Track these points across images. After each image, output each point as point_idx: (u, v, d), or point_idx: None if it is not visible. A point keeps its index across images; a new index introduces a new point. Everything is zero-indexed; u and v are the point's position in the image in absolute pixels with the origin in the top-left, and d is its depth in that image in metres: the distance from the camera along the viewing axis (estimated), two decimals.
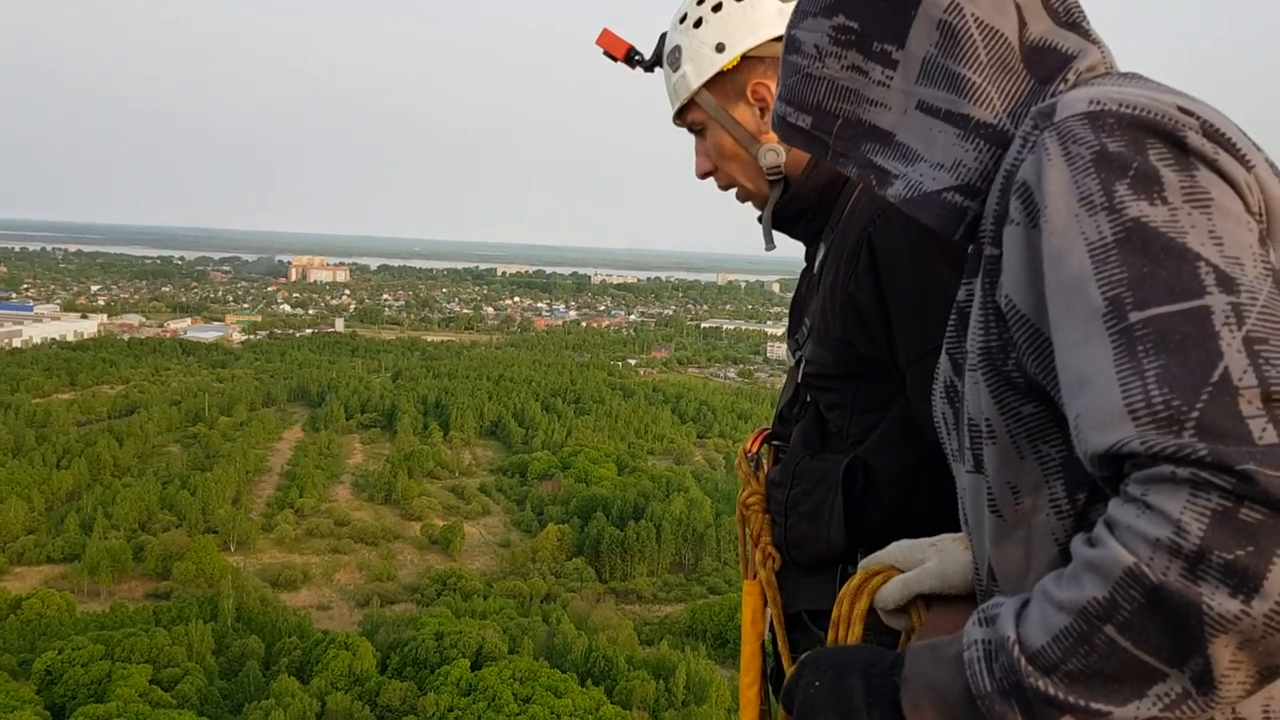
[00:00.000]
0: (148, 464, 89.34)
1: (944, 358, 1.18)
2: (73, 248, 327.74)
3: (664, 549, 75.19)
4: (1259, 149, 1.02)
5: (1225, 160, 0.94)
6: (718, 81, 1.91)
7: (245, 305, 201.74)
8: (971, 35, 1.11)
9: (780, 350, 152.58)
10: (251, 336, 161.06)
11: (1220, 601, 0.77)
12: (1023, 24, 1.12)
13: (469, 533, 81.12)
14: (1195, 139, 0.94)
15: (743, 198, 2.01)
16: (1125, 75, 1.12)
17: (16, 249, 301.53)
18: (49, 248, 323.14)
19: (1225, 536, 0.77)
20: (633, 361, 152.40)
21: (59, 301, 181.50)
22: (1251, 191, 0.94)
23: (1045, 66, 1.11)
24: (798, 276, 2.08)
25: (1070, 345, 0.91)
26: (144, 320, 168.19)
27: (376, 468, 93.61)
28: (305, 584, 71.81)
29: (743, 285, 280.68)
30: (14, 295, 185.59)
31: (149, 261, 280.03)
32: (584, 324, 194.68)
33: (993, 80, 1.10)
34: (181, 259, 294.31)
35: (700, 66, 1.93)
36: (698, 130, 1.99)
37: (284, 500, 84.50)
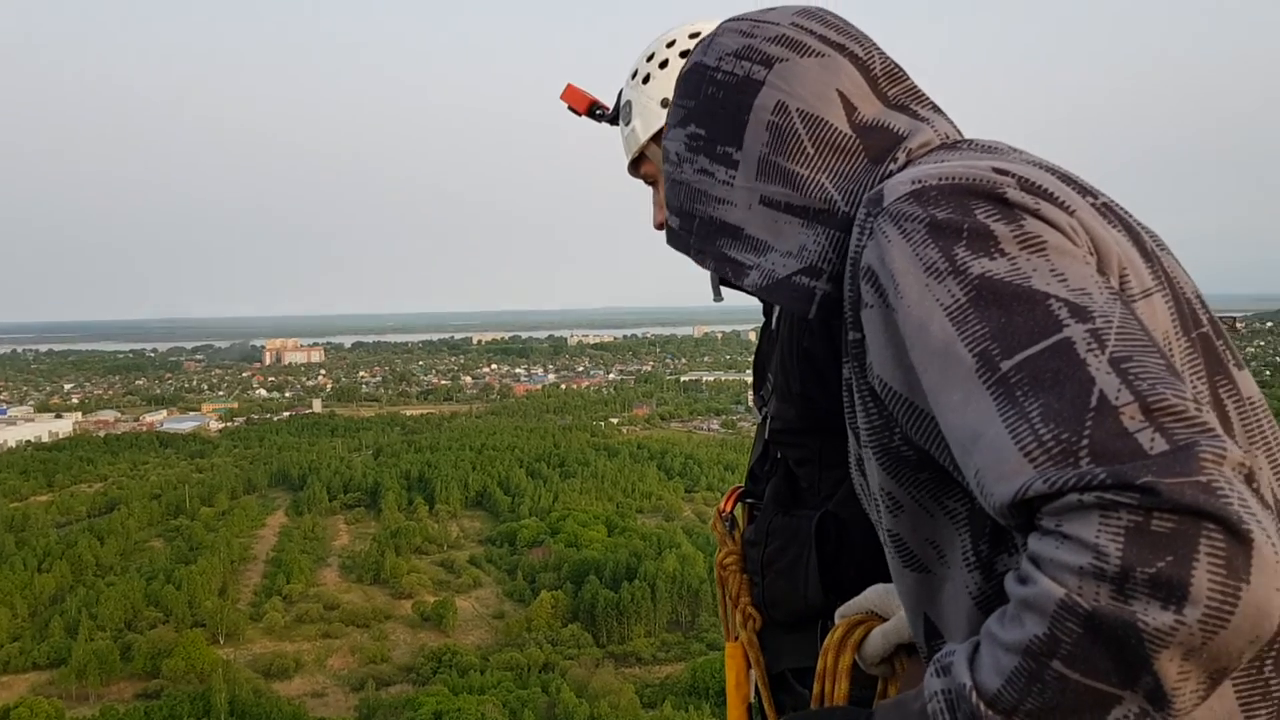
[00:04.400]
0: (130, 561, 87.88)
1: (849, 433, 1.19)
2: (44, 347, 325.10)
3: (660, 608, 74.42)
4: (1089, 193, 1.10)
5: (1046, 209, 1.00)
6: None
7: (221, 393, 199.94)
8: (796, 130, 1.18)
9: None
10: (229, 424, 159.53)
11: (1154, 616, 0.77)
12: (850, 109, 1.19)
13: (461, 607, 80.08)
14: (1015, 194, 1.00)
15: None
16: (951, 146, 1.18)
17: None
18: (19, 349, 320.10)
19: (1143, 551, 0.78)
20: (615, 420, 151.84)
21: (32, 403, 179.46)
22: (1077, 234, 1.00)
23: (877, 147, 1.18)
24: None
25: (953, 406, 0.92)
26: (119, 415, 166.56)
27: (363, 548, 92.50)
28: (298, 672, 70.50)
29: (719, 336, 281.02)
30: None
31: (121, 356, 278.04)
32: (563, 386, 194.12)
33: (823, 167, 1.17)
34: (154, 351, 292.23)
35: (648, 121, 1.98)
36: (652, 182, 2.03)
37: (271, 588, 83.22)
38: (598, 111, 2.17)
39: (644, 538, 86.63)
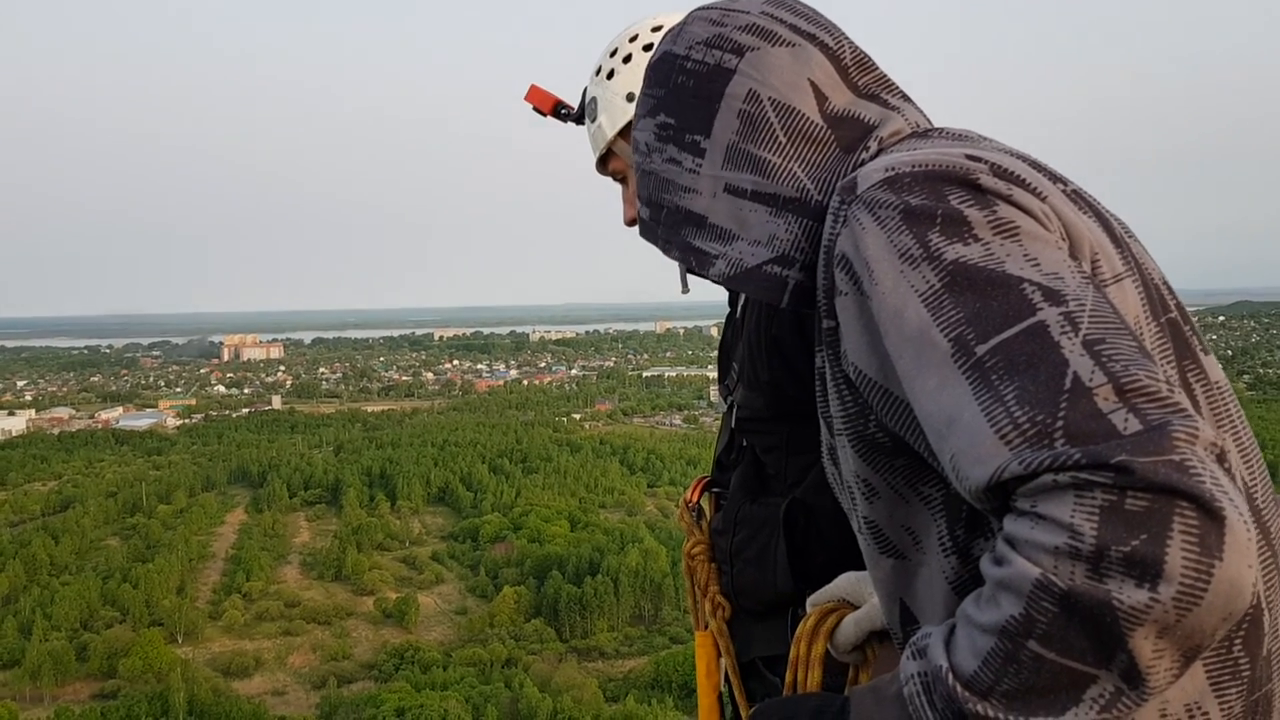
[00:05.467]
0: (86, 560, 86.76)
1: (821, 422, 1.19)
2: None
3: (623, 602, 74.60)
4: (1059, 179, 1.11)
5: (1019, 194, 1.01)
6: (631, 130, 1.94)
7: (178, 389, 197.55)
8: (768, 119, 1.18)
9: None
10: (186, 420, 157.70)
11: (1129, 594, 0.78)
12: (822, 98, 1.19)
13: (424, 603, 79.82)
14: (988, 180, 1.01)
15: None
16: (923, 135, 1.19)
17: None
18: None
19: (1118, 529, 0.78)
20: (577, 416, 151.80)
21: None
22: (1049, 219, 1.01)
23: (849, 136, 1.18)
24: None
25: (928, 391, 0.93)
26: (74, 412, 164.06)
27: (324, 544, 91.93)
28: (258, 670, 70.00)
29: (681, 332, 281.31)
30: None
31: (75, 352, 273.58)
32: (525, 382, 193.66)
33: (795, 156, 1.17)
34: (109, 347, 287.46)
35: (614, 116, 1.97)
36: (620, 179, 2.02)
37: (231, 585, 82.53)
38: (562, 111, 2.14)
39: (607, 533, 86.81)
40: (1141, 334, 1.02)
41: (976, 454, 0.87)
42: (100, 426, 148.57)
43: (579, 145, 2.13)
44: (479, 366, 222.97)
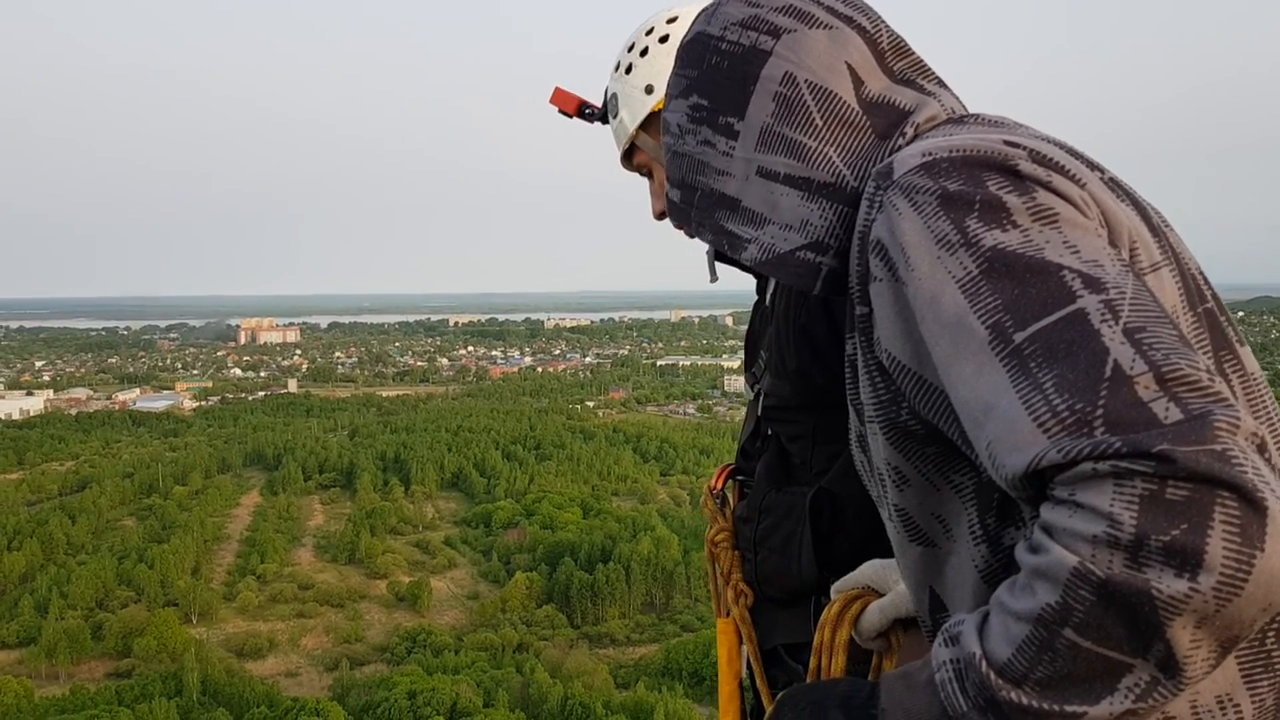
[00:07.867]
0: (102, 540, 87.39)
1: (850, 409, 1.18)
2: (14, 324, 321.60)
3: (634, 590, 74.72)
4: (1096, 167, 1.10)
5: (1058, 181, 0.99)
6: (653, 122, 1.94)
7: (195, 372, 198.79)
8: (805, 102, 1.16)
9: (738, 383, 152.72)
10: (203, 403, 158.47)
11: (1168, 584, 0.77)
12: (859, 83, 1.18)
13: (436, 587, 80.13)
14: (1027, 166, 0.99)
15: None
16: (959, 121, 1.17)
17: None
18: None
19: (1158, 519, 0.78)
20: (591, 404, 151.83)
21: (2, 380, 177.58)
22: (1088, 206, 1.00)
23: (884, 122, 1.17)
24: (749, 309, 2.09)
25: (965, 379, 0.92)
26: (91, 393, 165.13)
27: (338, 528, 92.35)
28: (271, 651, 70.41)
29: (696, 321, 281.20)
30: None
31: (93, 333, 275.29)
32: (540, 369, 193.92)
33: (831, 140, 1.16)
34: (127, 329, 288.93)
35: (634, 110, 1.98)
36: (645, 173, 2.02)
37: (245, 567, 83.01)
38: (587, 110, 2.16)
39: (619, 520, 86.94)
40: (1179, 323, 0.99)
41: (1014, 442, 0.86)
42: (117, 408, 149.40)
43: (594, 135, 2.13)
44: (494, 353, 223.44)
